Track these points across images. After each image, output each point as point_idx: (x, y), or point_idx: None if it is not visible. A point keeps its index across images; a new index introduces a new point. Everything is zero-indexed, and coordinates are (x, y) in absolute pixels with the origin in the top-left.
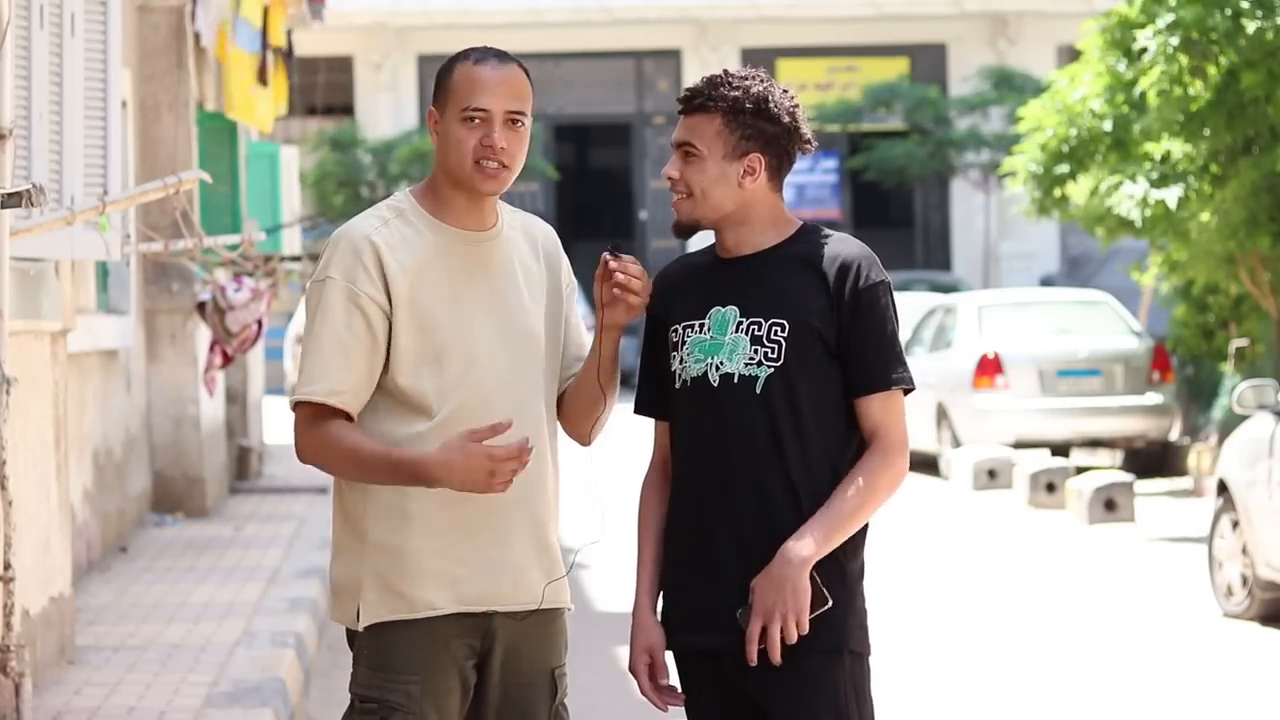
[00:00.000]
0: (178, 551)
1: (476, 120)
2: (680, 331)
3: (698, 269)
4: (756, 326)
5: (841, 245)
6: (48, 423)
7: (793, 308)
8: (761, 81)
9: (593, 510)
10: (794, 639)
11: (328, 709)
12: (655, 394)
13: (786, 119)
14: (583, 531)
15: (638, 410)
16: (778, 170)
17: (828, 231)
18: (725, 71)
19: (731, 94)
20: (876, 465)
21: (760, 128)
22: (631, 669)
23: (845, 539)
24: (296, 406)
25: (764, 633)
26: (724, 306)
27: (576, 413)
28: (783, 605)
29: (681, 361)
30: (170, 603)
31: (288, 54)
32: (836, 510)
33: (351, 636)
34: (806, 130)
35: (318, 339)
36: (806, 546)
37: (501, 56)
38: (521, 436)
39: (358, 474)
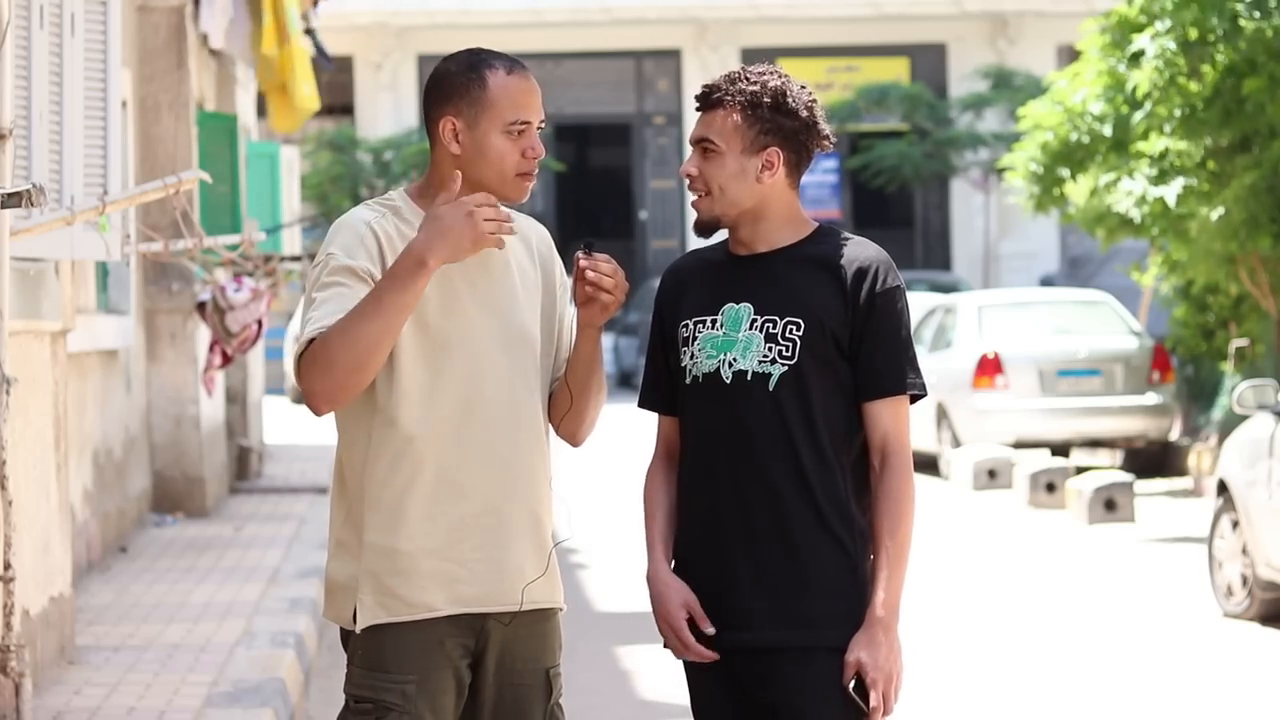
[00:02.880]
0: (178, 551)
1: (519, 132)
2: (691, 327)
3: (710, 265)
4: (771, 324)
5: (859, 249)
6: (48, 423)
7: (808, 307)
8: (779, 76)
9: (558, 509)
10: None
11: (328, 709)
12: (660, 389)
13: (804, 113)
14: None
15: (642, 404)
16: (796, 166)
17: (846, 234)
18: (742, 68)
19: (749, 89)
20: (900, 489)
21: (778, 122)
22: (670, 625)
23: (906, 569)
24: (305, 349)
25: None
26: (738, 303)
27: (562, 412)
28: (891, 665)
29: (692, 357)
30: (170, 603)
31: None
32: (892, 552)
33: (345, 637)
34: (825, 126)
35: (321, 301)
36: (888, 602)
37: (518, 63)
38: (512, 433)
39: (371, 322)
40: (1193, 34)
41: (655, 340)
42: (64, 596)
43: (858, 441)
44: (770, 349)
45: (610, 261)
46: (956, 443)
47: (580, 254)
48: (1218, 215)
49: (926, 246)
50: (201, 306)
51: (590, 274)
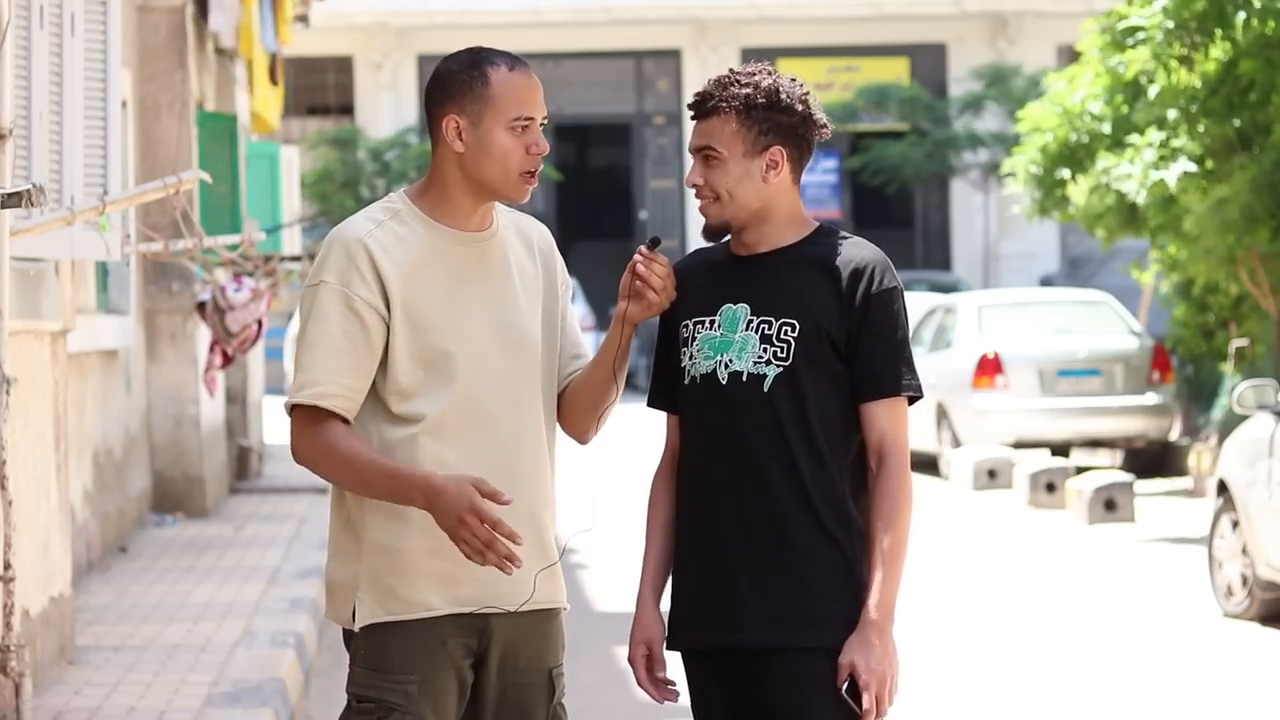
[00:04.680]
0: (178, 551)
1: (522, 128)
2: (691, 327)
3: (710, 265)
4: (767, 325)
5: (856, 249)
6: (48, 423)
7: (803, 308)
8: (769, 74)
9: (585, 499)
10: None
11: (328, 709)
12: (667, 388)
13: (800, 107)
14: (574, 520)
15: (651, 404)
16: (799, 161)
17: (845, 234)
18: (731, 70)
19: (742, 91)
20: (896, 489)
21: (776, 120)
22: (630, 660)
23: (902, 571)
24: (292, 410)
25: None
26: (735, 304)
27: (580, 408)
28: (885, 668)
29: (691, 358)
30: (170, 603)
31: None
32: (887, 553)
33: (348, 637)
34: (821, 115)
35: (312, 343)
36: (883, 604)
37: (520, 60)
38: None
39: (354, 482)
40: (1185, 19)
41: (661, 341)
42: (64, 596)
43: (855, 442)
44: (766, 350)
45: (667, 265)
46: (956, 443)
47: (643, 247)
48: (1214, 206)
49: (926, 246)
50: (201, 306)
51: (640, 268)
